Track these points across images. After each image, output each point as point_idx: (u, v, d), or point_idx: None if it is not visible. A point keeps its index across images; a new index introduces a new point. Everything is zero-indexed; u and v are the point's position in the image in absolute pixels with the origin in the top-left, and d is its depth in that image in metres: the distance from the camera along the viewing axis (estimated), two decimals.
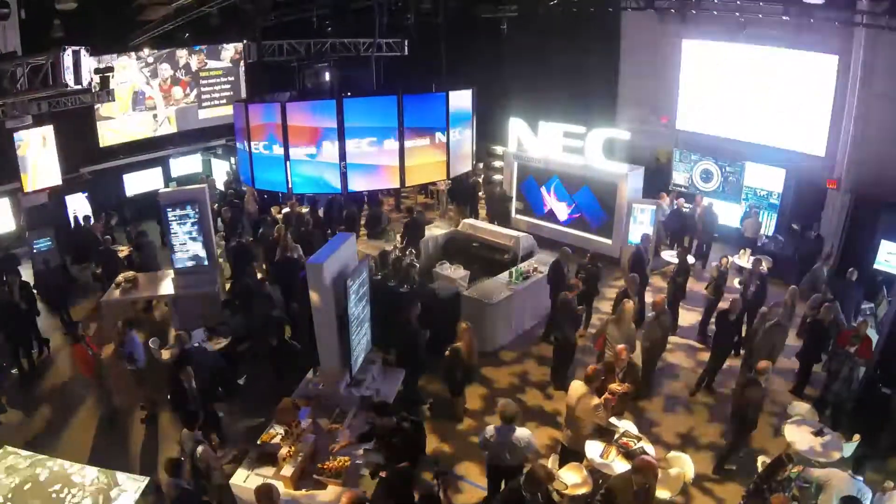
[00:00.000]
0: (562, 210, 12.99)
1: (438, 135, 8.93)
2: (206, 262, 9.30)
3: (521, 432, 5.59)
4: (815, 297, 8.83)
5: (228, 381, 7.89)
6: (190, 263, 9.28)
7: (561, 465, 6.03)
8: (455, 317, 8.35)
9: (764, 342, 7.56)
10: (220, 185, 14.57)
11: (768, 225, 12.53)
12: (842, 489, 5.08)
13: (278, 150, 8.55)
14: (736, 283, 9.90)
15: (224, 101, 15.63)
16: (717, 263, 9.59)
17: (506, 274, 9.77)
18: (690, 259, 9.67)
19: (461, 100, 9.54)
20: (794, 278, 10.04)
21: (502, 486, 5.68)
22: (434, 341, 7.56)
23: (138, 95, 14.19)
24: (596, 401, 5.92)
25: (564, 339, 8.08)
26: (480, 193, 15.23)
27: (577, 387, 6.12)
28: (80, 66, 7.92)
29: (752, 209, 12.11)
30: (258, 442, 5.83)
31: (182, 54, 14.61)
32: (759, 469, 5.68)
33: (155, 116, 14.61)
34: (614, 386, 6.41)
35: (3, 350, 8.50)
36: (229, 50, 15.43)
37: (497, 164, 16.58)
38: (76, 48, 7.88)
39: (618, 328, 7.44)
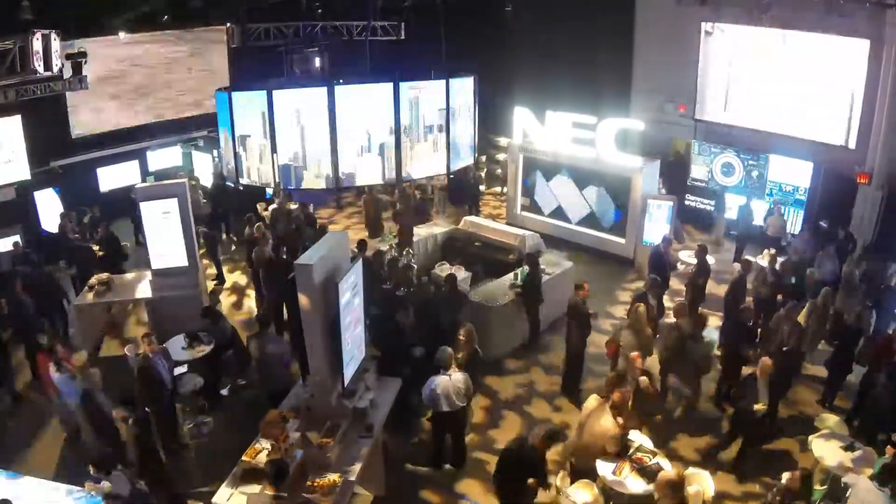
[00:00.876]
0: (571, 207, 12.98)
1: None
2: (185, 263, 9.28)
3: (458, 375, 6.46)
4: (850, 300, 8.81)
5: (211, 392, 7.89)
6: (168, 264, 9.26)
7: (571, 483, 6.01)
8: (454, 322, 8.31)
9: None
10: (205, 181, 14.55)
11: (794, 223, 12.52)
12: (867, 501, 5.09)
13: (264, 140, 8.54)
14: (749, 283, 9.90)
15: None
16: (738, 264, 9.58)
17: (510, 275, 9.76)
18: (710, 259, 9.64)
19: (462, 87, 9.55)
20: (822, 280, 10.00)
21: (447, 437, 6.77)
22: (432, 349, 7.52)
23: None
24: (611, 425, 5.91)
25: (574, 345, 8.06)
26: (482, 188, 15.25)
27: (592, 402, 6.12)
28: (50, 52, 7.91)
29: (777, 206, 12.09)
30: (242, 458, 5.80)
31: None
32: (784, 483, 5.65)
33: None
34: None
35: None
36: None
37: (501, 156, 16.58)
38: (46, 31, 7.87)
39: (632, 335, 7.42)
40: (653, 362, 7.86)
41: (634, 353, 6.89)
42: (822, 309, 8.61)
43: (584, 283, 8.22)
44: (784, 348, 7.58)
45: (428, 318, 7.91)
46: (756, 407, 6.58)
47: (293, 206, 12.41)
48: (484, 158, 16.67)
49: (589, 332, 8.20)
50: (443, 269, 10.22)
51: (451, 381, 6.55)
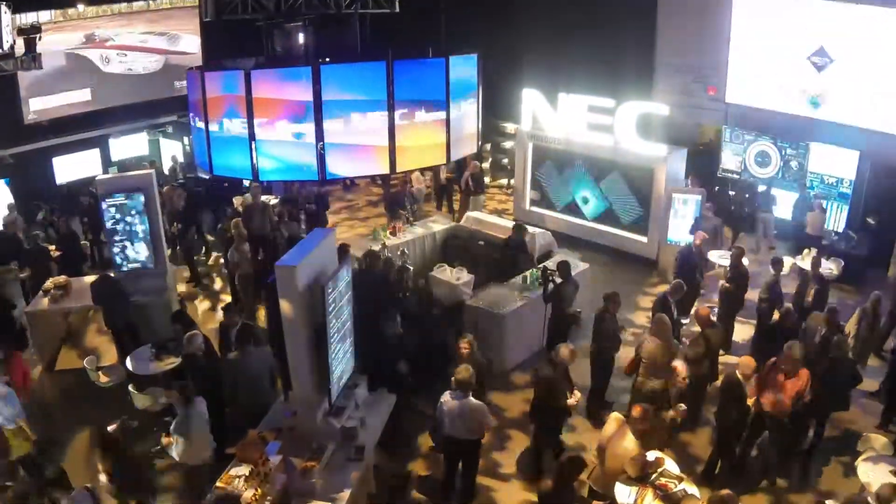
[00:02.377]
0: (587, 201, 13.01)
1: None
2: (152, 264, 9.32)
3: (475, 403, 6.35)
4: None
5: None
6: (133, 265, 9.29)
7: None
8: (456, 331, 8.35)
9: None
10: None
11: (837, 219, 12.53)
12: None
13: (240, 128, 8.58)
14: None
15: None
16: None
17: (519, 278, 9.77)
18: (745, 261, 9.64)
19: (464, 67, 9.56)
20: (870, 283, 10.03)
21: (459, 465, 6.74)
22: (429, 362, 7.56)
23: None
24: (632, 445, 5.93)
25: (599, 353, 8.06)
26: (487, 179, 15.24)
27: (612, 421, 6.15)
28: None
29: (817, 200, 12.10)
30: (217, 484, 5.82)
31: None
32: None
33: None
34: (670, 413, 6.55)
35: None
36: None
37: (508, 145, 16.61)
38: None
39: (656, 345, 7.42)
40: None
41: (678, 364, 7.09)
42: (871, 315, 8.63)
43: (615, 293, 8.21)
44: (830, 355, 7.56)
45: (422, 330, 7.91)
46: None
47: (272, 202, 12.44)
48: (489, 147, 16.70)
49: (618, 349, 8.18)
50: (442, 272, 10.24)
51: (458, 406, 6.41)
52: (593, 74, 13.47)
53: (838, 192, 12.53)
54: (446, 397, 6.50)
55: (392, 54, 8.59)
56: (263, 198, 11.92)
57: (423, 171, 13.88)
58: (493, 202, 15.36)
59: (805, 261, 10.73)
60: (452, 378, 6.50)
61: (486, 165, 16.13)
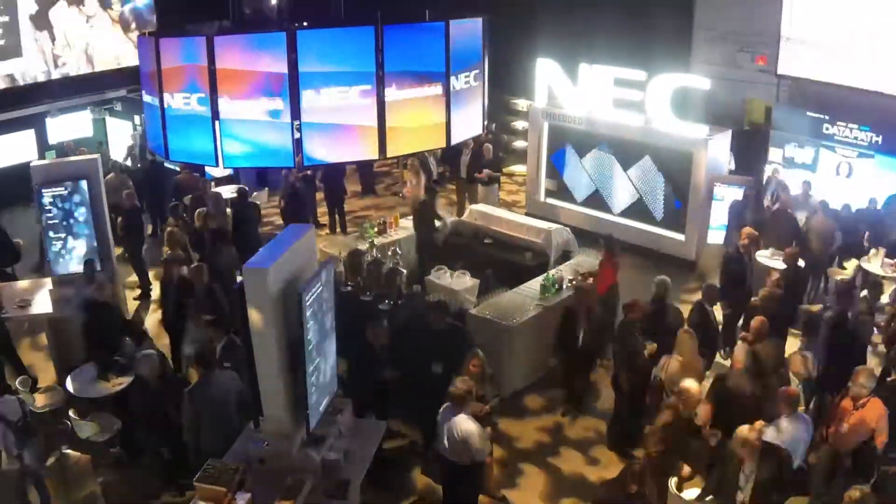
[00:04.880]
0: (613, 192, 13.03)
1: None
2: (98, 268, 9.33)
3: (465, 424, 6.37)
4: None
5: (129, 440, 7.89)
6: (75, 269, 9.30)
7: None
8: (458, 348, 8.35)
9: None
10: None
11: None
12: None
13: (202, 105, 8.60)
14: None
15: None
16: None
17: (533, 284, 9.79)
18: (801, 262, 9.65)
19: (467, 33, 9.58)
20: None
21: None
22: (426, 382, 7.57)
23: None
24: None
25: (626, 385, 8.00)
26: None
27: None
28: None
29: None
30: None
31: None
32: None
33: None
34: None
35: None
36: None
37: (519, 125, 16.63)
38: None
39: (680, 365, 7.41)
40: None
41: (703, 408, 6.78)
42: None
43: (636, 301, 8.22)
44: None
45: (413, 342, 7.92)
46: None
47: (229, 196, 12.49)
48: (495, 127, 16.71)
49: (647, 368, 8.16)
50: (441, 276, 10.26)
51: (455, 426, 6.48)
52: (620, 41, 13.50)
53: None
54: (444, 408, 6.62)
55: (382, 18, 8.60)
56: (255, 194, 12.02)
57: (416, 172, 13.93)
58: (501, 193, 15.33)
59: (874, 263, 10.71)
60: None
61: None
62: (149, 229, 13.29)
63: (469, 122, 9.89)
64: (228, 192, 13.13)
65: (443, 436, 6.57)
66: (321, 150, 8.89)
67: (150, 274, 11.64)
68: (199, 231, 10.85)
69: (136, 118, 15.28)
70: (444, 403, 6.63)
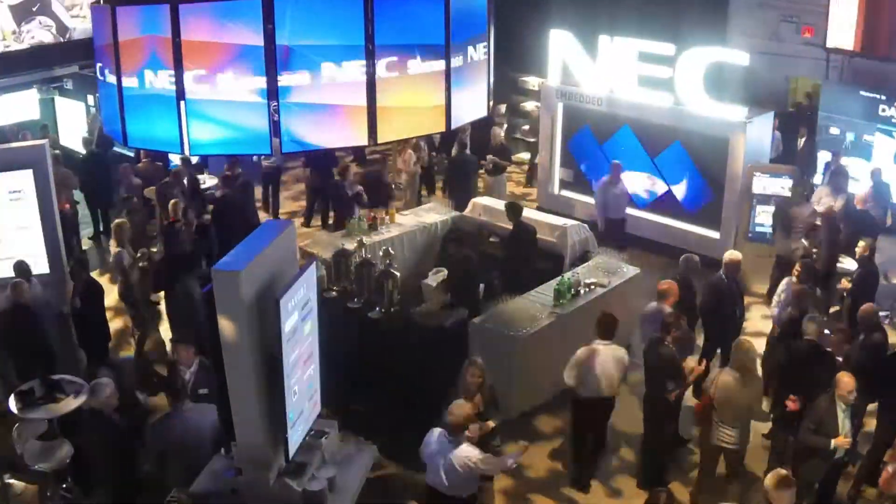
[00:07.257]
0: (637, 183, 13.12)
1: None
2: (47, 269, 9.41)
3: (467, 453, 6.34)
4: None
5: (83, 470, 7.91)
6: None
7: None
8: (458, 360, 8.42)
9: None
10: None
11: None
12: None
13: (166, 82, 8.65)
14: None
15: None
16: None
17: (546, 289, 9.85)
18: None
19: (470, 0, 9.64)
20: None
21: None
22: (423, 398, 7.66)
23: None
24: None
25: (656, 418, 8.04)
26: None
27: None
28: None
29: None
30: None
31: None
32: None
33: None
34: None
35: None
36: None
37: (529, 106, 16.66)
38: None
39: (736, 382, 7.46)
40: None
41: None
42: None
43: (670, 284, 8.26)
44: None
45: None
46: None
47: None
48: (504, 108, 16.78)
49: (682, 393, 8.20)
50: (439, 279, 10.31)
51: (456, 459, 6.45)
52: (646, 10, 13.56)
53: None
54: (432, 436, 6.62)
55: None
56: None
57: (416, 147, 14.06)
58: (510, 184, 15.35)
59: None
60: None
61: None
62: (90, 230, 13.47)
63: (472, 103, 9.94)
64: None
65: (439, 469, 6.54)
66: (303, 134, 8.94)
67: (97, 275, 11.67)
68: (174, 223, 10.90)
69: (90, 98, 15.33)
70: (436, 429, 6.64)
